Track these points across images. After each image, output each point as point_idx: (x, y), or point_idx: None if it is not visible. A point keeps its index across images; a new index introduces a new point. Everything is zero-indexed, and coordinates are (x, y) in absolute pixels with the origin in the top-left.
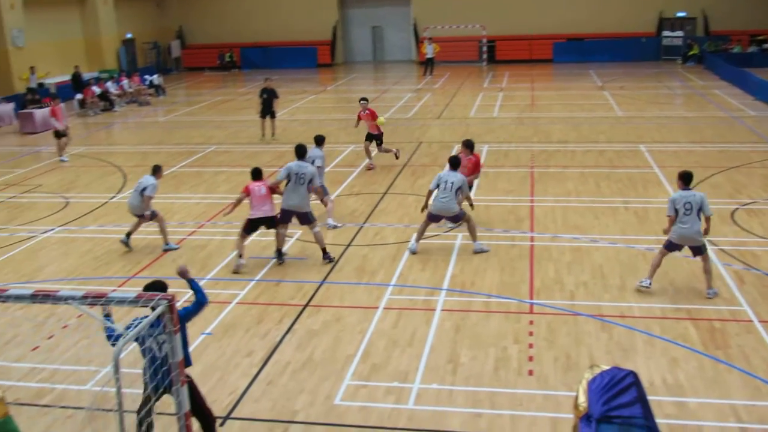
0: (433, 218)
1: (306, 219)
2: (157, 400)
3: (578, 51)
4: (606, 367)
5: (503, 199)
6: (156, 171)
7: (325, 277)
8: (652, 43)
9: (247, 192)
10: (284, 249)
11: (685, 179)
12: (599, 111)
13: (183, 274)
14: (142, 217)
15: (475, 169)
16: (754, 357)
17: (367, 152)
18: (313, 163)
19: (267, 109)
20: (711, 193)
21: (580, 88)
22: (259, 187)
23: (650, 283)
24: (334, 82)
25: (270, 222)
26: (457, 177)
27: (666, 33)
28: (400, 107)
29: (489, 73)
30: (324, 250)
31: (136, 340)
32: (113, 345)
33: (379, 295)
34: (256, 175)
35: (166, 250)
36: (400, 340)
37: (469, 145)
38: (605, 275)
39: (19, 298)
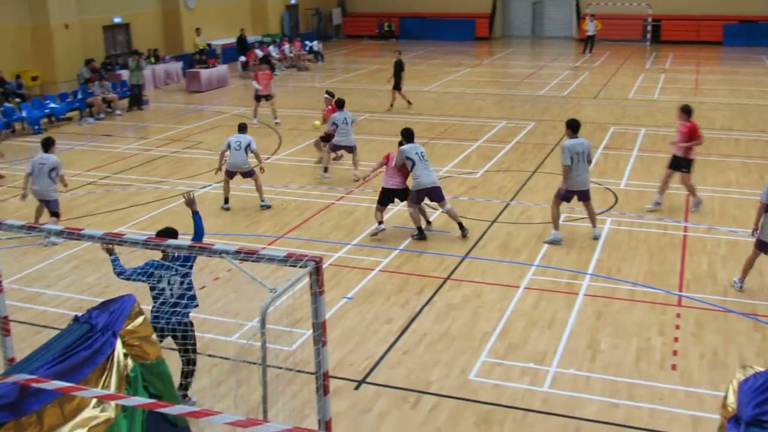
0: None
1: (437, 195)
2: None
3: (750, 34)
4: (760, 369)
5: (657, 186)
6: (242, 128)
7: (468, 252)
8: None
9: (386, 159)
10: (424, 225)
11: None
12: None
13: (190, 203)
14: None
15: (691, 136)
16: None
17: (318, 147)
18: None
19: (397, 81)
20: None
21: (750, 74)
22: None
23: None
24: (490, 56)
25: (401, 195)
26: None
27: None
28: (556, 85)
29: (652, 54)
30: (460, 225)
31: (149, 278)
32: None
33: (521, 275)
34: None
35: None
36: (540, 322)
37: (686, 111)
38: (763, 273)
39: (177, 247)
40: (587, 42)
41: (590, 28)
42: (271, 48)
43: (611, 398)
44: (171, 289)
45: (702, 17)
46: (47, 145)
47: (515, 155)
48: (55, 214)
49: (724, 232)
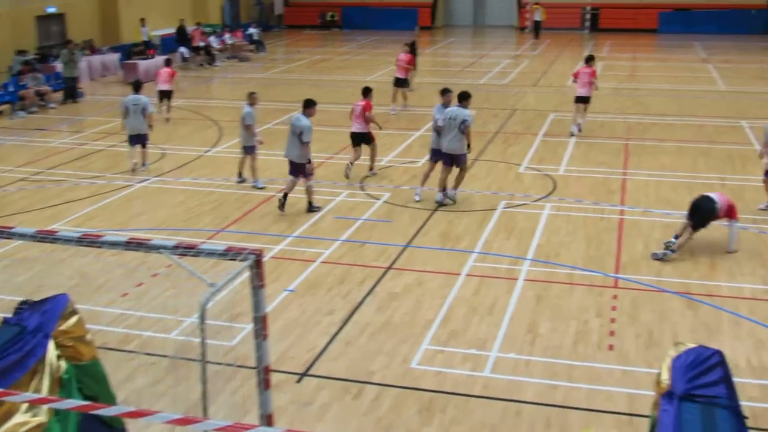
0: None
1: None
2: None
3: (684, 21)
4: (691, 345)
5: (595, 171)
6: (137, 88)
7: (410, 241)
8: (763, 15)
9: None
10: (367, 215)
11: (460, 97)
12: (702, 84)
13: None
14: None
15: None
16: None
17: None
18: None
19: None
20: None
21: (684, 60)
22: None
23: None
24: (432, 45)
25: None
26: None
27: None
28: (497, 73)
29: (591, 42)
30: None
31: None
32: None
33: (462, 262)
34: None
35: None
36: (480, 308)
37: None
38: (695, 253)
39: (113, 244)
40: (535, 28)
41: (537, 14)
42: (212, 38)
43: (550, 380)
44: None
45: (638, 5)
46: None
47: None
48: None
49: (659, 214)
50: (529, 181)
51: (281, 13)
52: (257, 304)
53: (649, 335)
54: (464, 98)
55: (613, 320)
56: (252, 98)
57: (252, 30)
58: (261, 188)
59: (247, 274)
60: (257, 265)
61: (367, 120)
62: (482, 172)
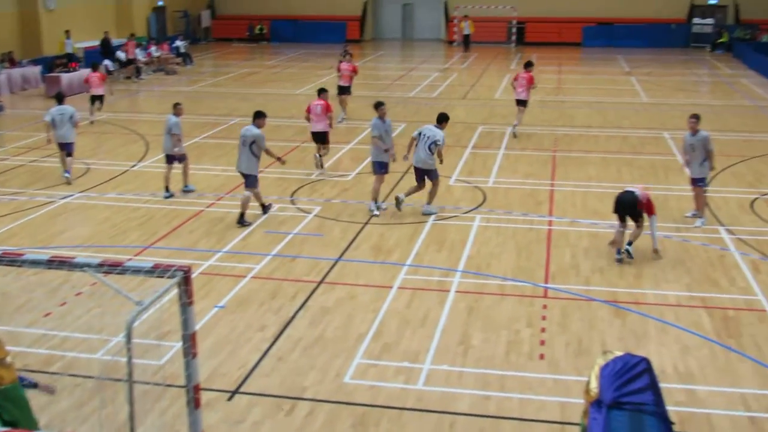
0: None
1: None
2: None
3: (607, 35)
4: (619, 353)
5: (524, 182)
6: (60, 99)
7: (341, 255)
8: (682, 29)
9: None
10: (298, 229)
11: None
12: (625, 96)
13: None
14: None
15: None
16: (766, 347)
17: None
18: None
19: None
20: (732, 182)
21: (607, 73)
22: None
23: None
24: (362, 58)
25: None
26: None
27: (696, 20)
28: (426, 86)
29: (517, 55)
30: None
31: None
32: None
33: (394, 275)
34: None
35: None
36: (413, 321)
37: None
38: (622, 261)
39: (35, 263)
40: (465, 42)
41: (465, 27)
42: (137, 51)
43: (483, 391)
44: None
45: (563, 20)
46: None
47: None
48: None
49: (586, 224)
50: (460, 193)
51: (209, 26)
52: (186, 322)
53: (579, 344)
54: (441, 120)
55: (543, 330)
56: (177, 109)
57: (179, 43)
58: (191, 191)
59: (175, 291)
60: (185, 282)
61: (329, 119)
62: (412, 185)
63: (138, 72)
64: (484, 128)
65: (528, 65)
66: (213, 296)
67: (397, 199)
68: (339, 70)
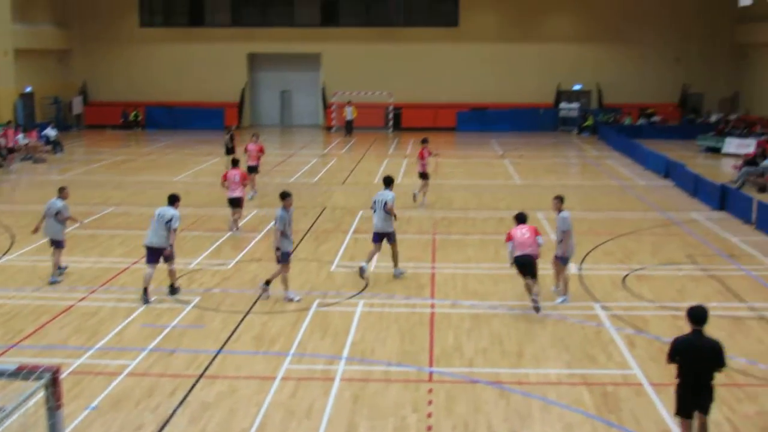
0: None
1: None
2: None
3: (480, 120)
4: None
5: (405, 266)
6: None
7: (222, 347)
8: (550, 114)
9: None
10: (176, 321)
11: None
12: (499, 179)
13: None
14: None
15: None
16: (644, 419)
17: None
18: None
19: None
20: (603, 259)
21: (482, 156)
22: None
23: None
24: (241, 144)
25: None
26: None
27: (563, 105)
28: (306, 171)
29: (395, 140)
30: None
31: None
32: None
33: (277, 365)
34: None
35: None
36: (298, 412)
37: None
38: (503, 342)
39: None
40: (347, 127)
41: (348, 113)
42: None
43: None
44: None
45: (438, 105)
46: None
47: (267, 243)
48: None
49: (467, 306)
50: (342, 278)
51: (80, 113)
52: (53, 427)
53: (465, 427)
54: (388, 183)
55: (429, 415)
56: (63, 192)
57: (49, 130)
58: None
59: (42, 394)
60: (53, 384)
61: (245, 185)
62: (294, 272)
63: (2, 160)
64: (364, 212)
65: (424, 141)
66: (84, 396)
67: (360, 269)
68: (247, 150)
